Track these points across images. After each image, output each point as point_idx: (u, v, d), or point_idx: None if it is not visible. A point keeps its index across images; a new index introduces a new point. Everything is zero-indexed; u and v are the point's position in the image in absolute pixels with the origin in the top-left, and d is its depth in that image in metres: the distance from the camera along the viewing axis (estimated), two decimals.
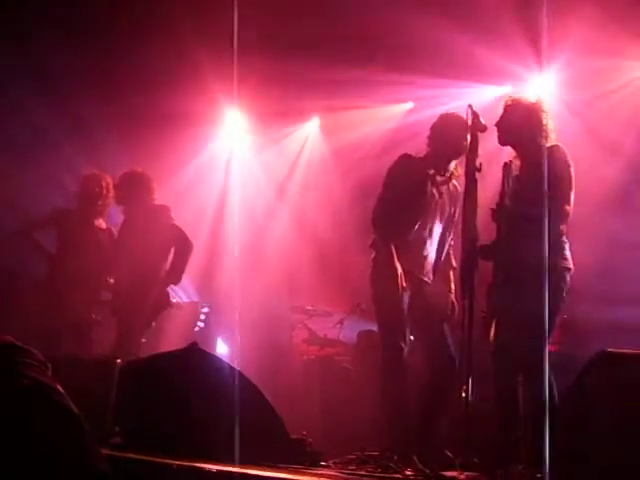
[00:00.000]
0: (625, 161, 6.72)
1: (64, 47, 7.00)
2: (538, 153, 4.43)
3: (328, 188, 8.83)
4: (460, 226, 4.57)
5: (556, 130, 4.75)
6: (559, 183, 4.46)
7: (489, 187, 4.91)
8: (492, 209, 4.69)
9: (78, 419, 2.59)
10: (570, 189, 4.58)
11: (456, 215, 5.17)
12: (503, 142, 4.81)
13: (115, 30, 6.92)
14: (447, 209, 5.18)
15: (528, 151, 4.66)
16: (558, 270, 4.50)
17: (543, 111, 4.71)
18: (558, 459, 3.79)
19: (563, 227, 4.63)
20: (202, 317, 8.30)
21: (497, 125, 4.76)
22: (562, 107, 6.65)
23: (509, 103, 4.83)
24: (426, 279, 5.12)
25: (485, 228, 4.60)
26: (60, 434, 2.54)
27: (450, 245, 5.23)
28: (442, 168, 5.14)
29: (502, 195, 4.72)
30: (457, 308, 5.01)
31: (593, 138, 6.81)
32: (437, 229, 5.15)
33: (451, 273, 5.23)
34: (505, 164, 4.79)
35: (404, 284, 4.93)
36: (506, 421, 4.60)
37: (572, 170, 4.60)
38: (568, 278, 4.61)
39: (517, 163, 4.77)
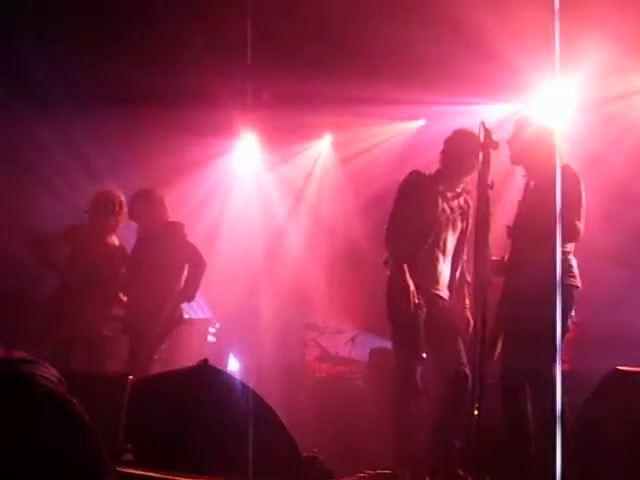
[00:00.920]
0: None
1: (75, 61, 7.03)
2: (549, 173, 4.44)
3: (341, 205, 8.83)
4: (473, 242, 4.57)
5: (568, 149, 4.77)
6: (570, 202, 4.47)
7: (501, 204, 4.92)
8: (507, 226, 4.69)
9: (93, 432, 2.61)
10: (580, 207, 4.59)
11: (469, 230, 5.15)
12: (515, 162, 4.84)
13: (128, 46, 6.94)
14: (459, 224, 5.17)
15: (539, 171, 4.67)
16: (565, 288, 4.51)
17: (554, 131, 4.73)
18: (571, 477, 3.77)
19: (571, 245, 4.64)
20: (213, 332, 8.30)
21: (509, 144, 4.78)
22: (575, 124, 6.64)
23: (521, 123, 4.85)
24: (442, 294, 5.10)
25: (498, 245, 4.61)
26: (75, 445, 2.56)
27: (464, 260, 5.22)
28: (453, 184, 5.14)
29: (519, 213, 4.74)
30: (472, 324, 4.99)
31: (610, 154, 6.78)
32: (450, 244, 5.13)
33: (465, 288, 5.21)
34: (526, 183, 4.81)
35: (417, 301, 4.91)
36: (516, 439, 4.58)
37: (582, 189, 4.62)
38: (575, 295, 4.61)
39: (532, 183, 4.79)
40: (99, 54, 6.90)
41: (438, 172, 5.16)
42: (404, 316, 4.95)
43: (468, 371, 4.83)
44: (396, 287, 4.96)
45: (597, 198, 4.94)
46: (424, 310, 4.98)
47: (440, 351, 5.05)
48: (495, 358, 4.70)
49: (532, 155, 4.73)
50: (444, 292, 5.11)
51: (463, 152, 4.99)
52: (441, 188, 5.11)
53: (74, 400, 2.63)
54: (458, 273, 5.18)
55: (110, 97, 7.42)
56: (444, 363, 5.04)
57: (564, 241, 4.49)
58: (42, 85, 7.03)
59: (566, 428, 4.14)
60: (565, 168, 4.60)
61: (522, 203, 4.79)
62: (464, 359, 4.95)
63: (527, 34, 5.91)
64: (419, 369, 4.98)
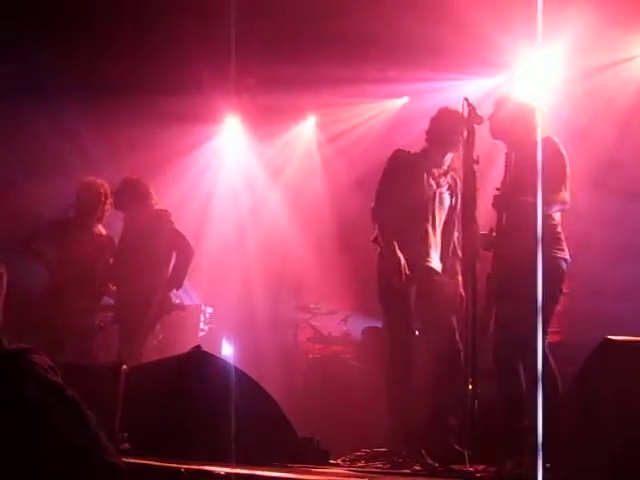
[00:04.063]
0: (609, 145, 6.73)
1: (61, 55, 6.99)
2: (530, 147, 4.45)
3: (328, 185, 8.82)
4: (460, 217, 4.58)
5: (551, 122, 4.78)
6: (553, 172, 4.49)
7: (487, 177, 4.92)
8: (494, 196, 4.69)
9: (90, 417, 2.65)
10: (564, 177, 4.61)
11: (458, 207, 5.16)
12: (495, 137, 4.86)
13: (110, 34, 6.89)
14: (448, 200, 5.18)
15: (520, 145, 4.68)
16: (555, 260, 4.53)
17: (535, 107, 4.75)
18: (563, 447, 3.80)
19: (559, 217, 4.65)
20: (206, 318, 8.31)
21: (490, 120, 4.79)
22: (553, 96, 6.64)
23: (501, 99, 4.86)
24: (433, 266, 5.08)
25: (486, 219, 4.61)
26: (74, 430, 2.58)
27: (455, 236, 5.21)
28: (438, 160, 5.15)
29: (503, 183, 4.75)
30: (465, 300, 4.99)
31: (584, 126, 6.80)
32: (440, 220, 5.14)
33: (457, 265, 5.21)
34: (507, 153, 4.82)
35: (407, 276, 4.90)
36: (510, 411, 4.61)
37: (566, 160, 4.63)
38: (565, 268, 4.63)
39: (513, 158, 4.80)
40: (84, 46, 6.87)
41: (423, 150, 5.17)
42: (394, 294, 4.96)
43: (461, 346, 4.85)
44: (386, 263, 4.97)
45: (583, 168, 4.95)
46: (414, 286, 4.98)
47: (432, 326, 5.05)
48: (491, 331, 4.71)
49: (512, 130, 4.75)
50: (436, 264, 5.10)
51: (446, 129, 5.00)
52: (427, 165, 5.12)
53: (69, 388, 2.67)
54: (450, 249, 5.18)
55: (93, 87, 7.38)
56: (436, 338, 5.03)
57: (550, 211, 4.51)
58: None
59: (558, 399, 4.17)
60: (547, 140, 4.62)
61: (505, 176, 4.80)
62: (457, 335, 4.95)
63: (509, 6, 5.91)
64: (412, 345, 4.99)
